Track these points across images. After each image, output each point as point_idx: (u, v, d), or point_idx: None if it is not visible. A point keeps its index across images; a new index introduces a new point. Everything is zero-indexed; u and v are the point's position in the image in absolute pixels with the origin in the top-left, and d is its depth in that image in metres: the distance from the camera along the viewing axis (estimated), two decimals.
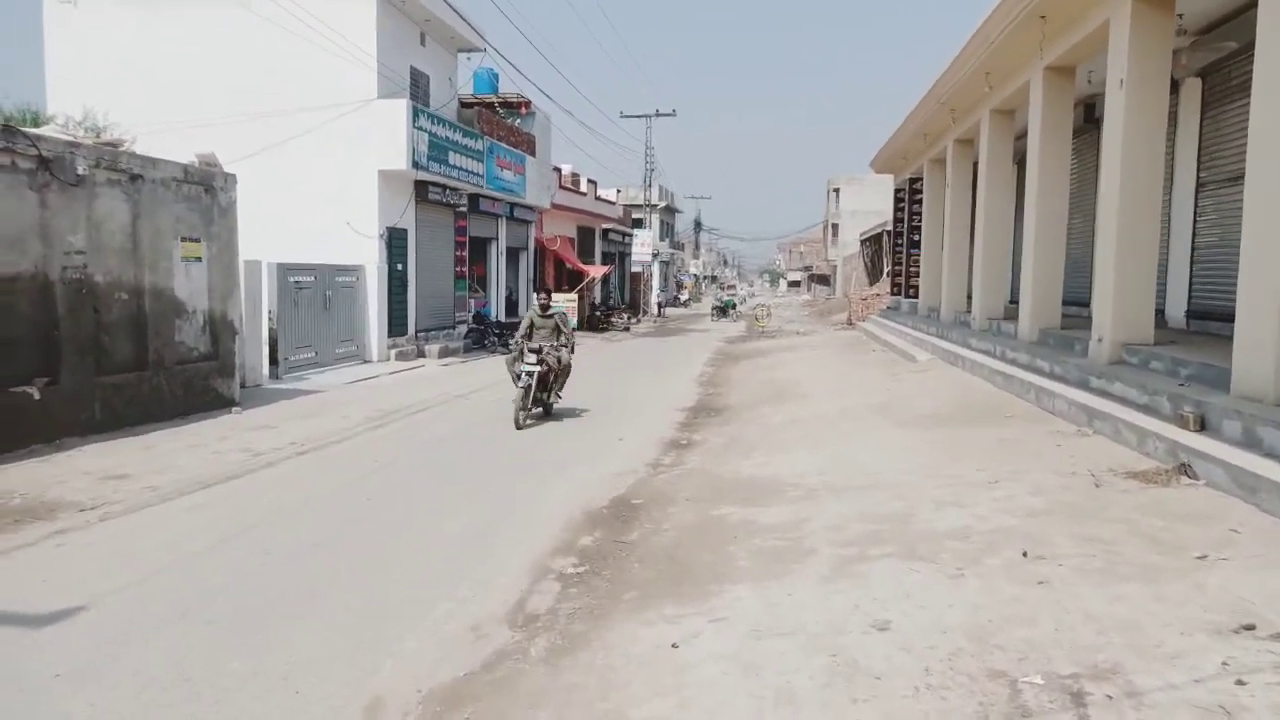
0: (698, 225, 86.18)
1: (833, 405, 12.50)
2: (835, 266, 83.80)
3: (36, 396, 9.55)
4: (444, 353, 21.81)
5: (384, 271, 20.07)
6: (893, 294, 29.41)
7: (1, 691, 4.05)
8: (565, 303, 28.51)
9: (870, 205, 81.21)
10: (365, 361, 19.67)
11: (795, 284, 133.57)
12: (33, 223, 9.57)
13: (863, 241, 58.63)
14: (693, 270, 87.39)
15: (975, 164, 19.96)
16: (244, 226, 14.03)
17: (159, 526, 6.89)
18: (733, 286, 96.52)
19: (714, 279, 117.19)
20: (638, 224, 47.37)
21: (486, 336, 24.41)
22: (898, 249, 28.83)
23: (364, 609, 5.21)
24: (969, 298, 19.63)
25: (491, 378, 17.92)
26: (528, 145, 27.68)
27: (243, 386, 14.29)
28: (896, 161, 26.39)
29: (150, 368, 11.40)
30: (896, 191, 28.69)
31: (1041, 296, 12.85)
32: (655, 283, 51.68)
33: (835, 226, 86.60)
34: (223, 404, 12.74)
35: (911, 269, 25.68)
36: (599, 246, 40.01)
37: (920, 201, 25.10)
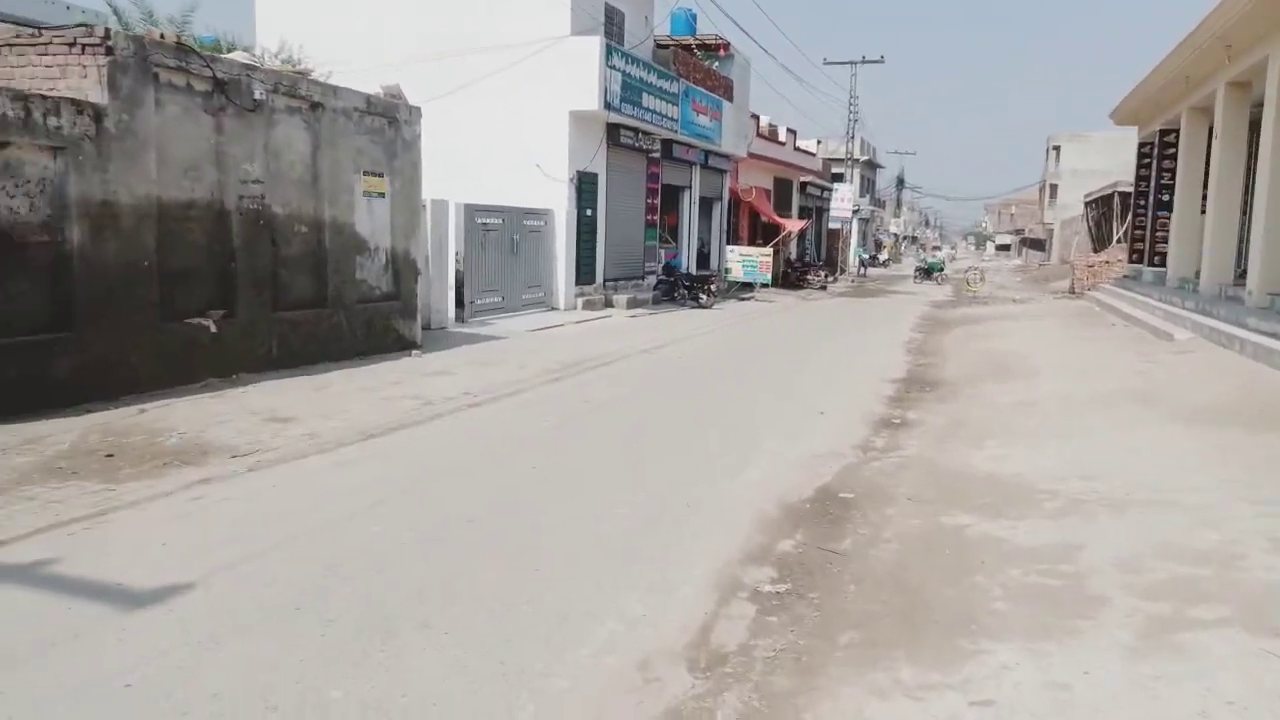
0: (900, 182, 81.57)
1: (1074, 387, 10.55)
2: (1052, 230, 77.40)
3: (212, 329, 9.23)
4: (632, 303, 20.95)
5: (573, 217, 19.32)
6: (1131, 261, 26.05)
7: (58, 703, 3.27)
8: (761, 257, 27.07)
9: (1094, 165, 74.21)
10: (552, 309, 19.08)
11: (1004, 248, 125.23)
12: (208, 148, 9.17)
13: (1087, 203, 53.27)
14: (892, 229, 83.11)
15: (1255, 110, 16.85)
16: (429, 169, 13.50)
17: (305, 484, 6.18)
18: (938, 247, 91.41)
19: (914, 239, 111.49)
20: (837, 178, 44.88)
21: (676, 289, 23.37)
22: (1139, 211, 25.39)
23: (509, 619, 4.18)
24: (1239, 269, 16.68)
25: (680, 331, 16.85)
26: (725, 90, 26.19)
27: (427, 328, 13.88)
28: (1144, 112, 23.01)
29: (329, 305, 10.99)
30: (1141, 146, 25.21)
31: None
32: (853, 241, 49.08)
33: (1054, 187, 79.89)
34: (404, 345, 12.29)
35: (1157, 233, 22.42)
36: (796, 200, 38.06)
37: (1173, 157, 21.78)
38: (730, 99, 26.39)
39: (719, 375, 12.28)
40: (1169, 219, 22.15)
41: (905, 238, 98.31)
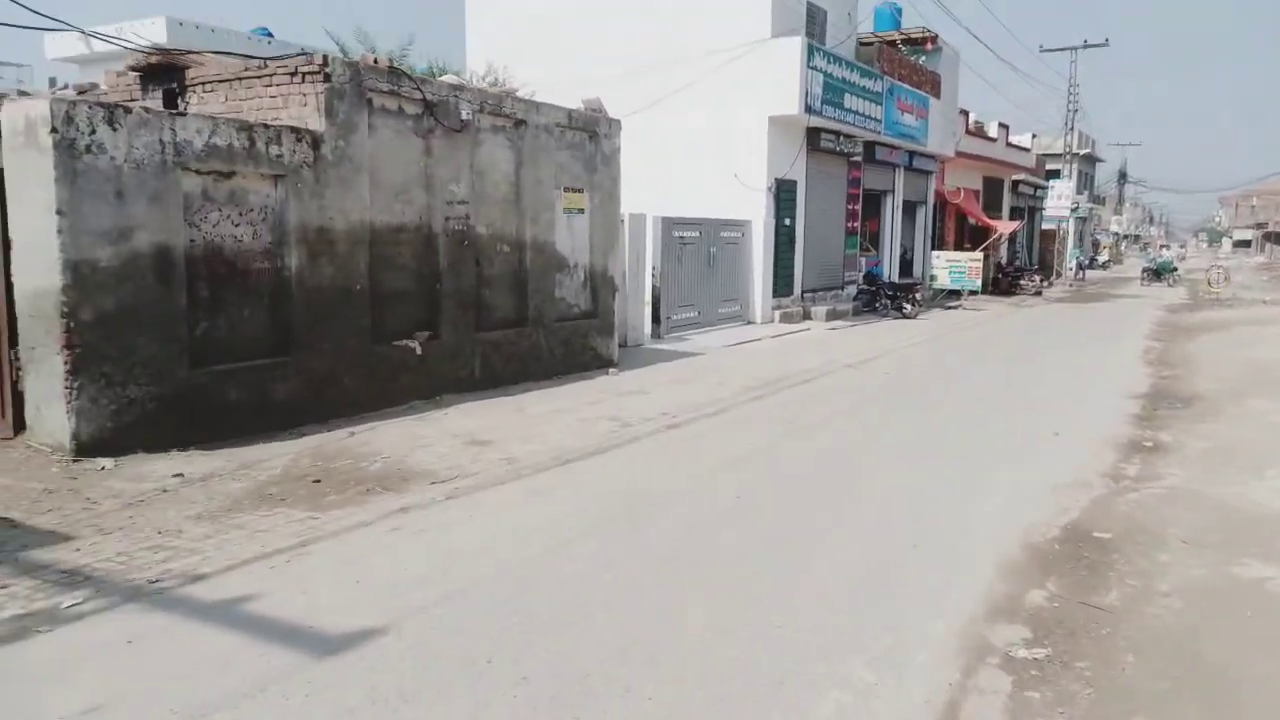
0: (1122, 176, 75.15)
1: None
2: None
3: (418, 351, 9.33)
4: (831, 315, 20.07)
5: (770, 227, 18.71)
6: None
7: None
8: (969, 262, 25.39)
9: None
10: (748, 322, 18.54)
11: (1244, 244, 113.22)
12: (418, 171, 9.28)
13: None
14: (1113, 228, 76.69)
15: None
16: (626, 182, 13.33)
17: (501, 515, 5.92)
18: (1165, 246, 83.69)
19: (1136, 238, 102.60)
20: (1052, 174, 41.67)
21: (878, 298, 22.23)
22: None
23: (718, 684, 3.67)
24: None
25: (885, 344, 15.88)
26: (931, 85, 24.76)
27: (622, 345, 13.70)
28: None
29: (529, 325, 10.95)
30: None
31: None
32: (1070, 241, 45.47)
33: None
34: (600, 364, 12.12)
35: None
36: (1007, 200, 35.62)
37: None
38: (938, 95, 24.94)
39: (933, 391, 11.34)
40: None
41: (1127, 236, 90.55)
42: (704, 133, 18.51)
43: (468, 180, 10.00)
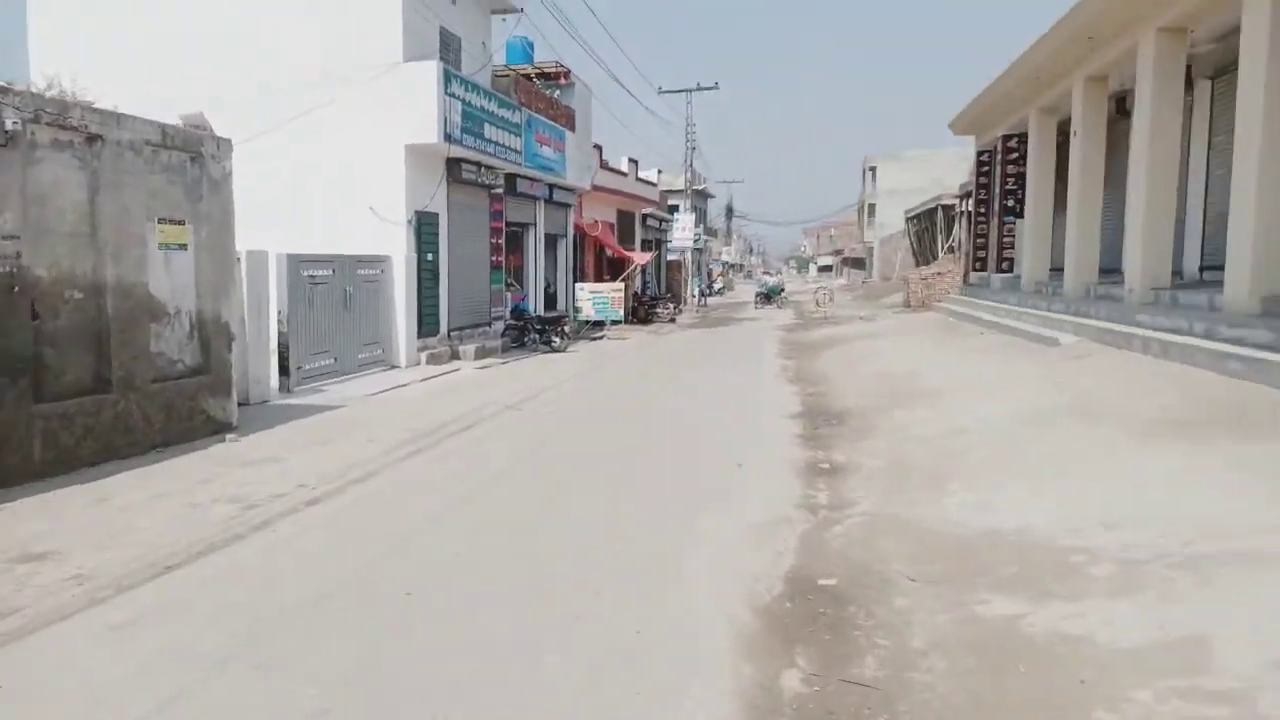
0: (729, 211, 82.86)
1: (994, 407, 9.56)
2: (871, 248, 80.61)
3: None
4: (481, 353, 19.07)
5: (413, 262, 17.31)
6: (974, 269, 26.33)
7: None
8: (611, 293, 25.73)
9: (910, 183, 77.84)
10: (392, 367, 16.95)
11: (826, 268, 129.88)
12: None
13: (909, 219, 55.25)
14: (724, 257, 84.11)
15: (1117, 102, 16.93)
16: (246, 216, 11.44)
17: (57, 675, 4.09)
18: (768, 273, 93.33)
19: (740, 266, 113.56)
20: (673, 209, 44.37)
21: (527, 333, 21.62)
22: (980, 220, 25.76)
23: None
24: (1105, 266, 16.63)
25: (541, 381, 15.13)
26: (567, 119, 24.85)
27: (244, 404, 11.61)
28: (987, 119, 23.24)
29: (115, 389, 8.67)
30: (980, 155, 25.59)
31: (1267, 251, 9.86)
32: (690, 271, 48.72)
33: (872, 206, 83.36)
34: (216, 429, 10.03)
35: (1004, 239, 22.60)
36: (639, 232, 37.11)
37: (1016, 161, 22.05)
38: (573, 129, 25.05)
39: (602, 429, 10.69)
40: (1014, 225, 22.39)
41: (733, 265, 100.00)
42: (337, 160, 16.79)
43: (18, 209, 7.65)
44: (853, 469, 7.85)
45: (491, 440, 9.83)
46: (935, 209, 45.06)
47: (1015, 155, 22.16)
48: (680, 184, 46.20)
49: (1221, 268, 11.01)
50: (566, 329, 21.77)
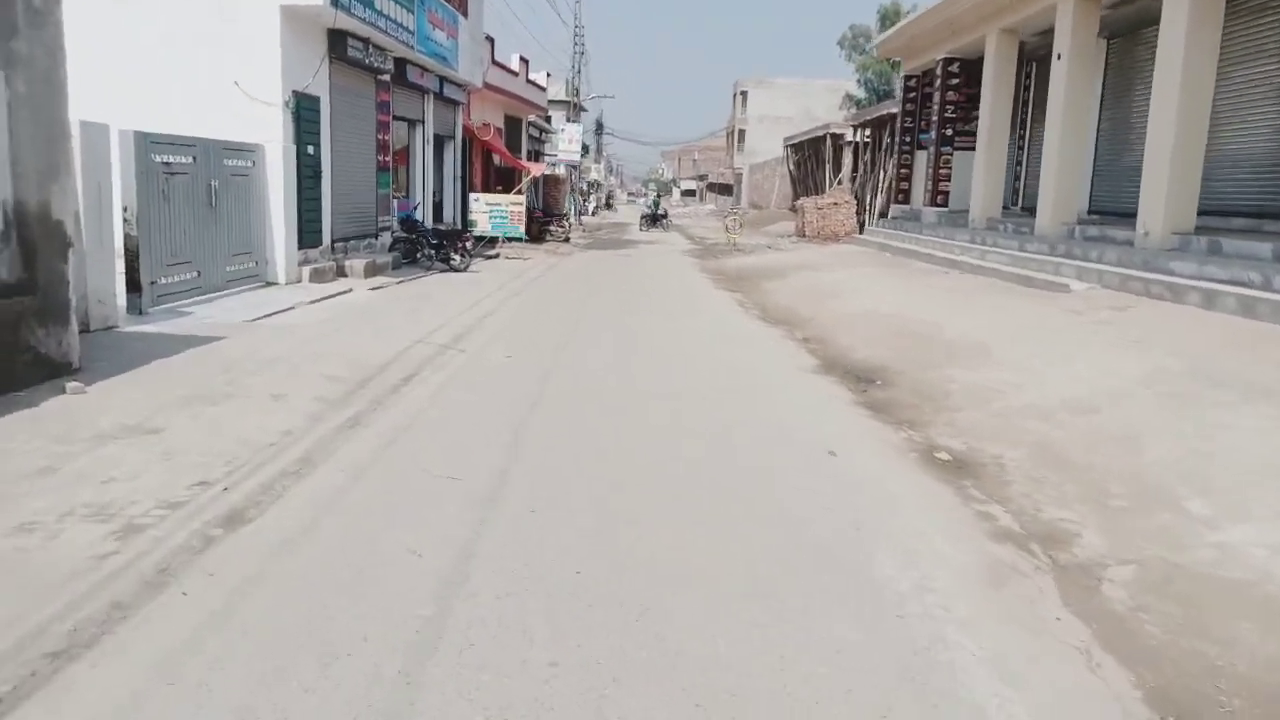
0: (599, 127, 79.38)
1: (1087, 370, 7.78)
2: (740, 175, 79.42)
3: None
4: (371, 270, 16.09)
5: (291, 155, 14.05)
6: (897, 201, 24.97)
7: None
8: (511, 206, 22.87)
9: (781, 110, 76.92)
10: (268, 284, 13.82)
11: (690, 193, 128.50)
12: None
13: (790, 147, 53.80)
14: (593, 176, 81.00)
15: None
16: (87, 90, 8.25)
17: None
18: (641, 195, 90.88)
19: (599, 185, 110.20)
20: (546, 120, 41.06)
21: (420, 248, 18.64)
22: (905, 149, 24.30)
23: None
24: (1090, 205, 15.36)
25: (462, 310, 12.50)
26: (460, 1, 21.49)
27: (84, 330, 8.52)
28: (924, 41, 21.51)
29: None
30: (909, 80, 23.95)
31: None
32: (570, 187, 45.76)
33: (742, 133, 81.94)
34: (48, 372, 7.04)
35: (941, 171, 21.16)
36: (525, 142, 33.92)
37: (958, 88, 20.52)
38: (465, 13, 21.72)
39: (606, 387, 8.14)
40: (951, 156, 20.97)
41: (593, 185, 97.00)
42: (196, 26, 13.30)
43: None
44: (989, 463, 5.85)
45: (455, 403, 7.27)
46: (824, 138, 43.69)
47: (957, 81, 20.62)
48: (559, 93, 42.89)
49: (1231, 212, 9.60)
50: (469, 246, 18.88)
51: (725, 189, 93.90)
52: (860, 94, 59.76)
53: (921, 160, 22.85)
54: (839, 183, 40.48)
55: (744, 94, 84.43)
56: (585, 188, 71.97)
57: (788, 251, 25.05)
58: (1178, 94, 11.14)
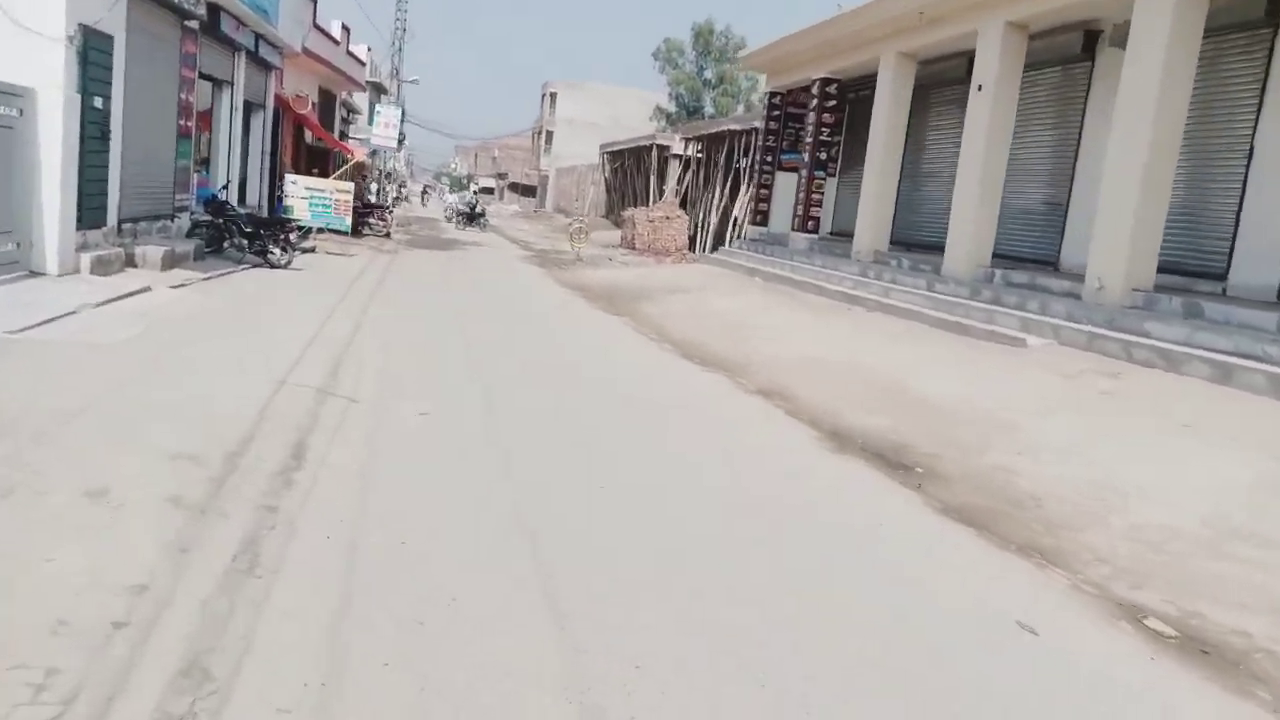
0: (402, 115, 74.57)
1: (1172, 470, 6.42)
2: (547, 177, 77.45)
3: None
4: (170, 261, 12.71)
5: (74, 105, 10.58)
6: (755, 223, 23.81)
7: None
8: (336, 193, 19.62)
9: (591, 115, 75.54)
10: (34, 273, 10.30)
11: (488, 190, 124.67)
12: None
13: (608, 154, 52.32)
14: (394, 166, 75.99)
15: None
16: None
17: None
18: (434, 189, 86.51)
19: (394, 175, 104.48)
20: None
21: (229, 236, 15.22)
22: (765, 169, 23.17)
23: None
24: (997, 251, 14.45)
25: (310, 323, 9.65)
26: None
27: None
28: (797, 58, 20.36)
29: None
30: (773, 96, 22.82)
31: None
32: (378, 176, 41.88)
33: (550, 134, 79.97)
34: None
35: (814, 196, 20.05)
36: (337, 121, 30.18)
37: (835, 110, 19.54)
38: None
39: (551, 457, 5.90)
40: (823, 181, 19.96)
41: (388, 175, 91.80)
42: None
43: None
44: (1236, 640, 4.13)
45: (393, 516, 4.74)
46: (649, 148, 42.50)
47: (833, 103, 19.64)
48: (373, 72, 39.07)
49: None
50: (293, 238, 15.63)
51: (529, 190, 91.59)
52: (671, 107, 59.42)
53: (785, 182, 21.76)
54: (666, 196, 39.34)
55: (553, 95, 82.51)
56: (383, 177, 67.30)
57: (632, 267, 23.30)
58: (1148, 138, 10.24)
